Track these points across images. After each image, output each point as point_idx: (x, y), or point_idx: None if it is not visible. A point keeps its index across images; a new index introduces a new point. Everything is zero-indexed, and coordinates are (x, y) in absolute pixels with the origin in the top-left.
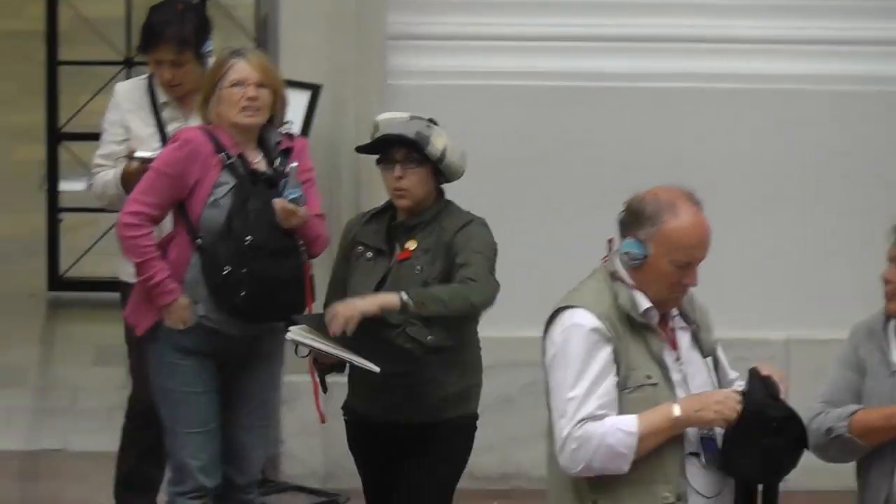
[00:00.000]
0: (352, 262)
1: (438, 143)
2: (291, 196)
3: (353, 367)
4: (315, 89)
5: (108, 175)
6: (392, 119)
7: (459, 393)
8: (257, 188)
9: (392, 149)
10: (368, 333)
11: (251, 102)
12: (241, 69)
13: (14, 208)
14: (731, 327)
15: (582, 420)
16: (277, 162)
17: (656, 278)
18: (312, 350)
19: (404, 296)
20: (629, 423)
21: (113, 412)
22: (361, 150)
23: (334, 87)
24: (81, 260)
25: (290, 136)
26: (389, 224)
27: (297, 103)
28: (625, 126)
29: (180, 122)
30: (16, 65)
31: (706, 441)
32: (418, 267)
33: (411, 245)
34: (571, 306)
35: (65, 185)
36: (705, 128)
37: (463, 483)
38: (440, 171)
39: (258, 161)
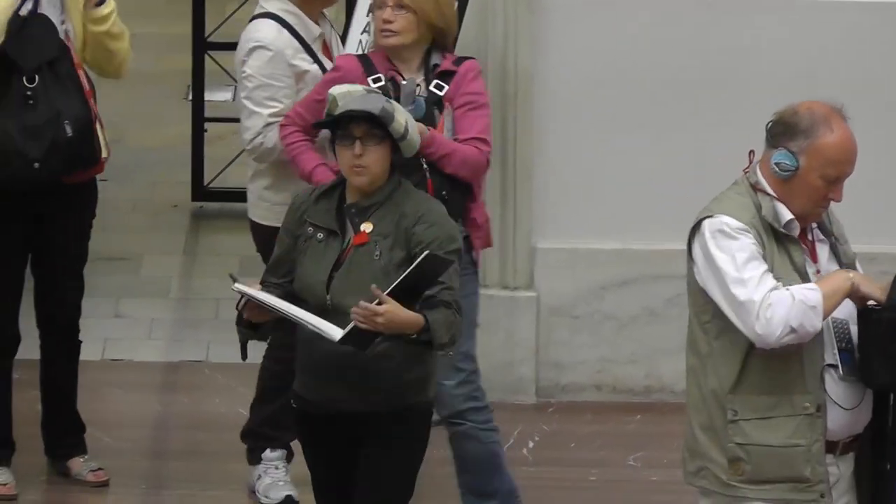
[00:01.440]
0: (299, 243)
1: (401, 119)
2: (411, 108)
3: (301, 351)
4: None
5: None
6: (349, 93)
7: (421, 378)
8: None
9: (350, 125)
10: None
11: (387, 25)
12: None
13: (159, 119)
14: (874, 241)
15: (767, 292)
16: (432, 85)
17: (803, 191)
18: (255, 305)
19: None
20: (811, 285)
21: None
22: (319, 125)
23: None
24: (226, 171)
25: (462, 59)
26: (340, 204)
27: None
28: (763, 39)
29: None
30: None
31: (844, 353)
32: (377, 252)
33: (367, 227)
34: (715, 215)
35: (210, 96)
36: (835, 41)
37: (606, 396)
38: (397, 148)
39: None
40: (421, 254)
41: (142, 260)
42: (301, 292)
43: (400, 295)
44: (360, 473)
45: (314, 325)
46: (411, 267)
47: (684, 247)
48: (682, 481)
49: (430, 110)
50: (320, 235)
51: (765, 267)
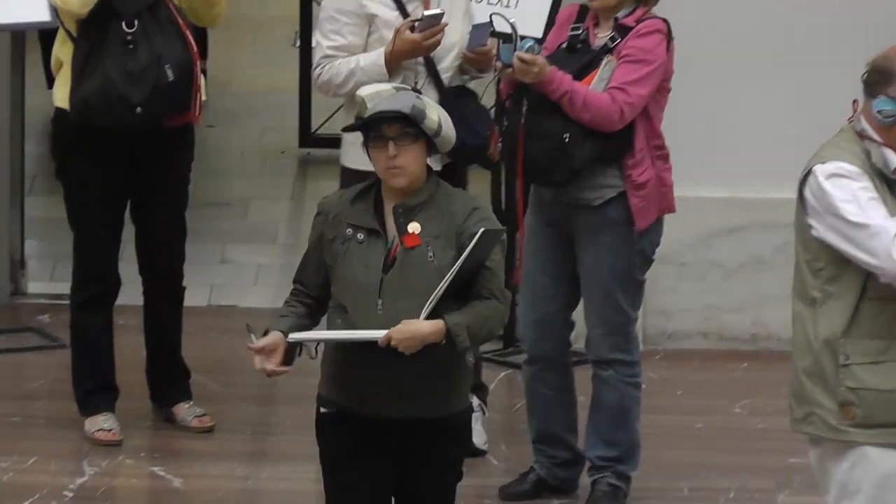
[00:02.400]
0: (335, 246)
1: (433, 115)
2: (526, 46)
3: (334, 352)
4: None
5: (355, 62)
6: (378, 93)
7: (453, 385)
8: (560, 54)
9: (382, 125)
10: None
11: None
12: None
13: (267, 65)
14: None
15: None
16: (608, 37)
17: None
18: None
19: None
20: None
21: None
22: (350, 129)
23: None
24: (333, 117)
25: (648, 17)
26: (377, 204)
27: None
28: None
29: (418, 1)
30: None
31: None
32: (430, 254)
33: (415, 228)
34: (827, 161)
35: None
36: None
37: (713, 344)
38: (433, 145)
39: (601, 36)
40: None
41: (249, 206)
42: (344, 297)
43: (457, 279)
44: (396, 489)
45: (362, 336)
46: (469, 248)
47: (791, 195)
48: (789, 429)
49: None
50: (360, 236)
51: (885, 209)
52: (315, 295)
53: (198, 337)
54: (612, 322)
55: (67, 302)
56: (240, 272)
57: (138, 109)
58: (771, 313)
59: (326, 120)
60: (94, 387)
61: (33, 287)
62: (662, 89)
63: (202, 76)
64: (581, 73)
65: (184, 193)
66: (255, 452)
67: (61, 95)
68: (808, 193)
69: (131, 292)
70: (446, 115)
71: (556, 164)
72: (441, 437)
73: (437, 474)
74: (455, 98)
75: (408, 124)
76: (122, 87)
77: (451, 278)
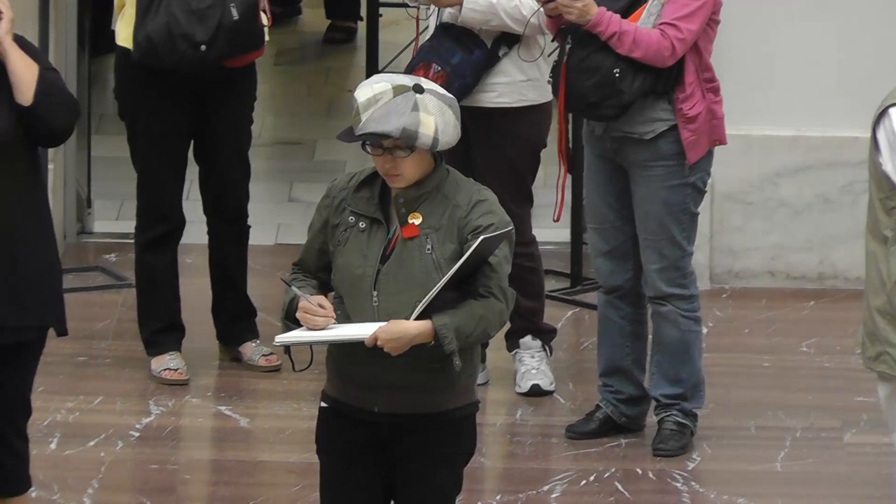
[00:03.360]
0: (338, 233)
1: (428, 129)
2: None
3: (334, 346)
4: None
5: None
6: (374, 100)
7: (465, 377)
8: None
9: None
10: None
11: None
12: None
13: None
14: None
15: None
16: None
17: None
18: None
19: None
20: None
21: None
22: (344, 139)
23: None
24: (399, 56)
25: None
26: (382, 192)
27: None
28: None
29: None
30: None
31: None
32: (428, 246)
33: (416, 219)
34: None
35: None
36: None
37: (780, 282)
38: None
39: None
40: (474, 240)
41: (315, 145)
42: (342, 286)
43: (454, 282)
44: (397, 488)
45: (351, 335)
46: (465, 256)
47: (859, 134)
48: (856, 368)
49: None
50: (362, 224)
51: None
52: (319, 278)
53: (264, 276)
54: (667, 257)
55: (133, 241)
56: (307, 211)
57: (202, 48)
58: (838, 253)
59: (393, 59)
60: (161, 326)
61: (99, 226)
62: (712, 21)
63: (265, 14)
64: (629, 10)
65: (247, 133)
66: (321, 392)
67: (124, 35)
68: (881, 133)
69: (198, 231)
70: (448, 112)
71: (606, 100)
72: (441, 433)
73: (438, 471)
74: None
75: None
76: (186, 26)
77: (445, 282)
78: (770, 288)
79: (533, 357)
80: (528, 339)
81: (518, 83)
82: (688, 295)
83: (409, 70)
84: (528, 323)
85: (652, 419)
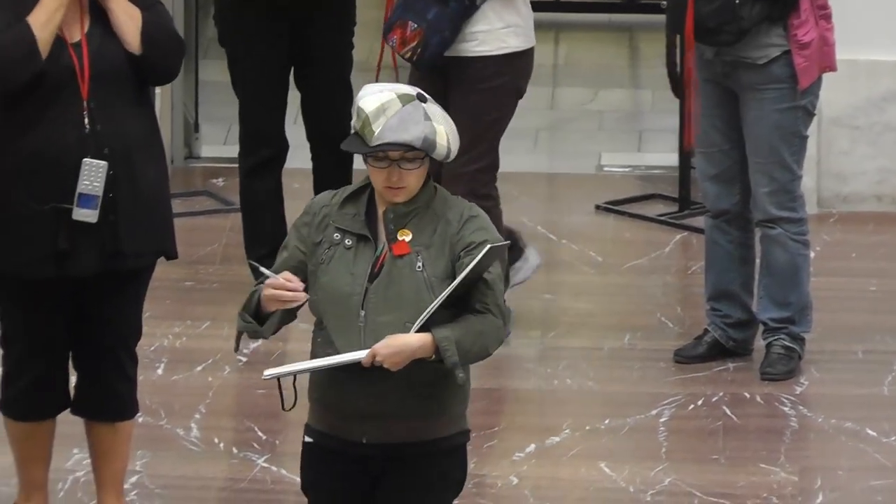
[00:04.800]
0: (320, 252)
1: (442, 139)
2: None
3: (317, 375)
4: None
5: None
6: (382, 109)
7: (456, 404)
8: None
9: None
10: None
11: None
12: None
13: None
14: None
15: None
16: None
17: None
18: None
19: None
20: None
21: (538, 133)
22: (349, 150)
23: None
24: None
25: None
26: (368, 207)
27: None
28: None
29: None
30: None
31: None
32: (419, 264)
33: (405, 236)
34: None
35: None
36: None
37: (887, 207)
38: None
39: None
40: (467, 257)
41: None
42: (325, 305)
43: (449, 299)
44: None
45: (345, 359)
46: (472, 265)
47: None
48: None
49: None
50: (349, 241)
51: None
52: None
53: None
54: (777, 179)
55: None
56: None
57: None
58: None
59: None
60: (266, 252)
61: (207, 151)
62: None
63: None
64: None
65: (348, 57)
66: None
67: None
68: None
69: (305, 156)
70: (451, 121)
71: (725, 25)
72: (434, 462)
73: (429, 501)
74: None
75: (413, 149)
76: None
77: (448, 294)
78: (877, 212)
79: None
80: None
81: (498, 30)
82: (797, 218)
83: (387, 30)
84: None
85: (760, 343)
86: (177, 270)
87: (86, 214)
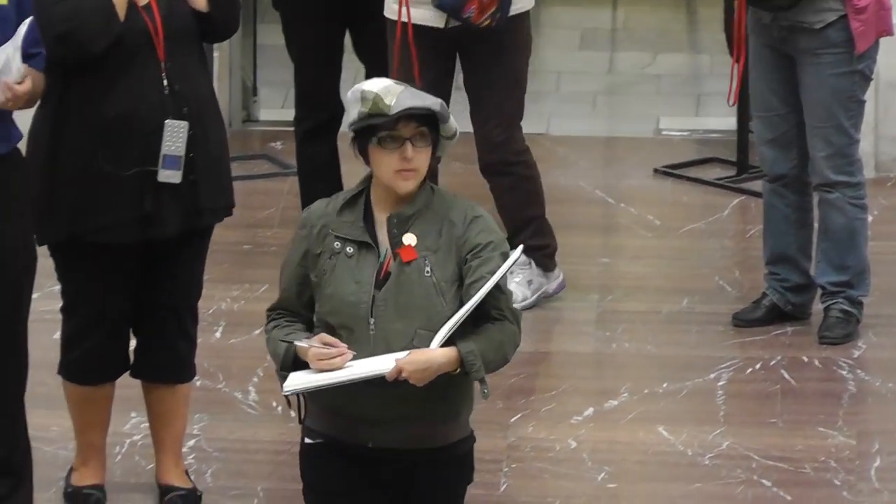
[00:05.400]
0: (321, 262)
1: (447, 112)
2: None
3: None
4: None
5: None
6: (386, 88)
7: (467, 408)
8: None
9: (398, 124)
10: None
11: None
12: None
13: None
14: None
15: None
16: None
17: None
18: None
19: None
20: None
21: (596, 97)
22: (358, 129)
23: None
24: None
25: None
26: (366, 214)
27: None
28: None
29: None
30: None
31: None
32: (427, 269)
33: (410, 240)
34: None
35: None
36: None
37: None
38: (435, 148)
39: None
40: (474, 260)
41: None
42: (333, 316)
43: (465, 300)
44: None
45: (369, 373)
46: (504, 269)
47: None
48: None
49: None
50: (350, 249)
51: None
52: (302, 317)
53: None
54: (834, 144)
55: None
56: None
57: None
58: None
59: None
60: None
61: (265, 114)
62: None
63: None
64: None
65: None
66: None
67: None
68: None
69: None
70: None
71: None
72: (446, 469)
73: None
74: None
75: (423, 124)
76: None
77: (476, 302)
78: None
79: (512, 272)
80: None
81: None
82: (854, 182)
83: (460, 5)
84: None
85: (818, 307)
86: (235, 234)
87: (170, 175)
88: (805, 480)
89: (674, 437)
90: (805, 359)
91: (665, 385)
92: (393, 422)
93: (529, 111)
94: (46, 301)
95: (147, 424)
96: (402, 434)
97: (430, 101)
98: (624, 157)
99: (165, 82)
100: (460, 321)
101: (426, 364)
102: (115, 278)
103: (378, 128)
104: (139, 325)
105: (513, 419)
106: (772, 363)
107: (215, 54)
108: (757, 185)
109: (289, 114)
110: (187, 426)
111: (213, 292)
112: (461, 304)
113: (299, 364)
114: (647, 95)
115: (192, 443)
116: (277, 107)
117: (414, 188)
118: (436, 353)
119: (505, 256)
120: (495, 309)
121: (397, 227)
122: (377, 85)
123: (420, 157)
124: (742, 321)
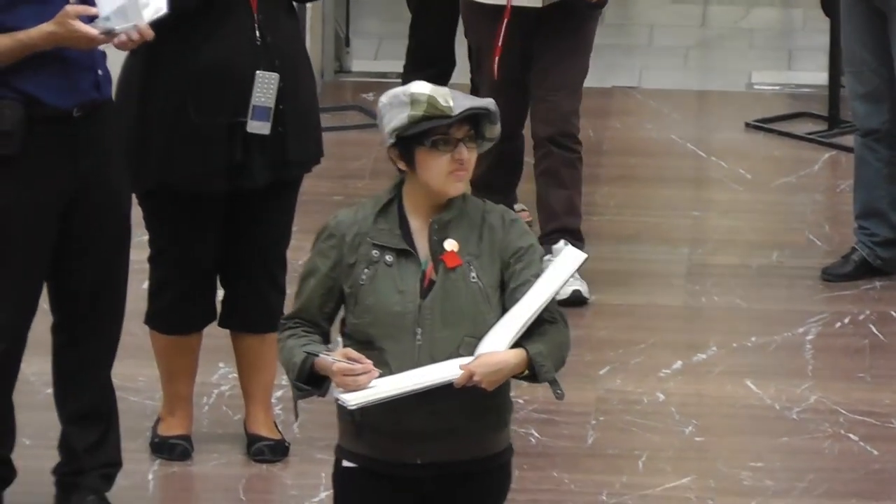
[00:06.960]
0: (357, 271)
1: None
2: None
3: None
4: None
5: None
6: (435, 89)
7: (509, 417)
8: None
9: (451, 127)
10: None
11: None
12: None
13: None
14: None
15: None
16: None
17: None
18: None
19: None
20: None
21: (689, 51)
22: (415, 131)
23: None
24: None
25: None
26: (401, 221)
27: None
28: None
29: None
30: None
31: None
32: (473, 275)
33: (452, 245)
34: None
35: None
36: None
37: None
38: None
39: None
40: (518, 263)
41: None
42: (374, 327)
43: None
44: None
45: (432, 382)
46: (569, 275)
47: None
48: None
49: None
50: (389, 258)
51: None
52: (321, 328)
53: None
54: None
55: (390, 80)
56: None
57: None
58: None
59: None
60: None
61: (357, 65)
62: None
63: None
64: None
65: None
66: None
67: None
68: None
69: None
70: None
71: None
72: (491, 480)
73: None
74: None
75: (472, 125)
76: None
77: (546, 303)
78: None
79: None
80: (560, 246)
81: None
82: None
83: None
84: (560, 224)
85: None
86: (326, 185)
87: (259, 127)
88: (892, 435)
89: (761, 391)
90: (893, 314)
91: (753, 339)
92: (442, 435)
93: (622, 64)
94: (135, 251)
95: (235, 375)
96: (453, 446)
97: (483, 102)
98: (716, 111)
99: (258, 34)
100: (529, 323)
101: (499, 366)
102: (203, 227)
103: (431, 131)
104: (228, 276)
105: (601, 371)
106: (860, 318)
107: (308, 5)
108: (848, 140)
109: (381, 65)
110: (276, 377)
111: (304, 243)
112: (504, 310)
113: (314, 377)
114: (739, 49)
115: (279, 393)
116: (370, 58)
117: (463, 189)
118: (506, 355)
119: (540, 259)
120: (547, 311)
121: (438, 234)
122: (424, 87)
123: (473, 158)
124: (831, 276)
